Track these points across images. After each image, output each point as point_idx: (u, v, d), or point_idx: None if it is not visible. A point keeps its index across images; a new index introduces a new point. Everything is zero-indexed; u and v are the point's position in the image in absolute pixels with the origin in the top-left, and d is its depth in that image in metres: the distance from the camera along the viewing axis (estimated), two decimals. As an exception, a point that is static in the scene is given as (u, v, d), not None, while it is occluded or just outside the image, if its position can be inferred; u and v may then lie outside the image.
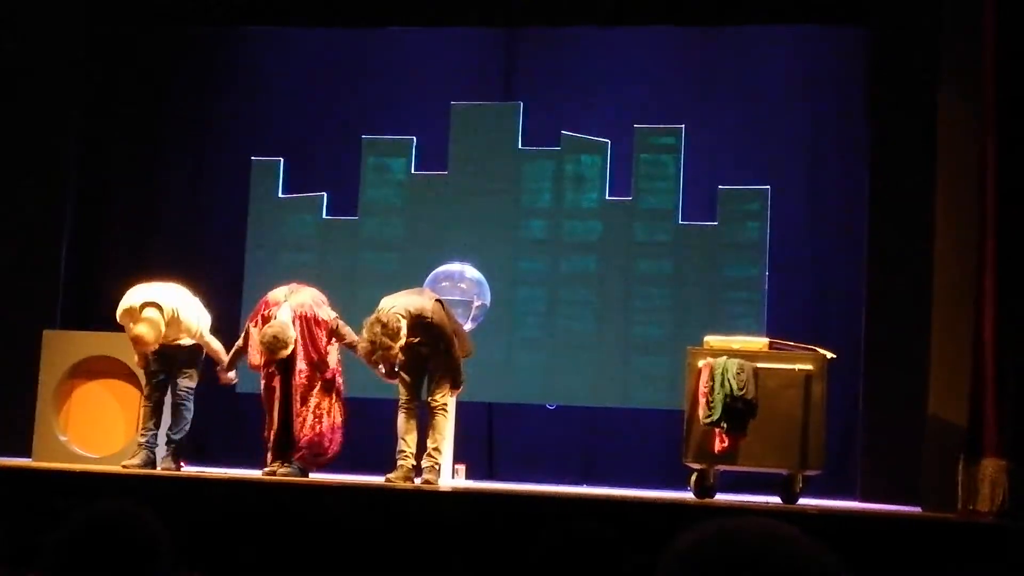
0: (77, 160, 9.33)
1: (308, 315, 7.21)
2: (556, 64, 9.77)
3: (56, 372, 7.87)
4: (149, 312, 7.17)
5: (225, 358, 7.49)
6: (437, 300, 7.25)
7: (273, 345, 7.05)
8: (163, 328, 7.19)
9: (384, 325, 6.83)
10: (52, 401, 7.83)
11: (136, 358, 7.41)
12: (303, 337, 7.19)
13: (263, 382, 7.35)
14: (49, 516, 5.77)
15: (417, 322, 7.00)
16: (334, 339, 7.27)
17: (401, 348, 6.95)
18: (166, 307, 7.21)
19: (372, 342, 6.85)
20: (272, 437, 7.30)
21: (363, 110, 9.86)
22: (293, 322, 7.15)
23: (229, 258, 9.56)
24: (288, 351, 7.10)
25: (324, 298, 7.40)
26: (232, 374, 7.55)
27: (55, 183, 9.15)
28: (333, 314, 7.32)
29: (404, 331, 6.91)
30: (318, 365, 7.23)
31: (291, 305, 7.22)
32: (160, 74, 9.74)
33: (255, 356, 7.22)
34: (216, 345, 7.51)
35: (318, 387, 7.23)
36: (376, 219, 9.68)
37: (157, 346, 7.26)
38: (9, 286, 8.81)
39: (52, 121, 9.11)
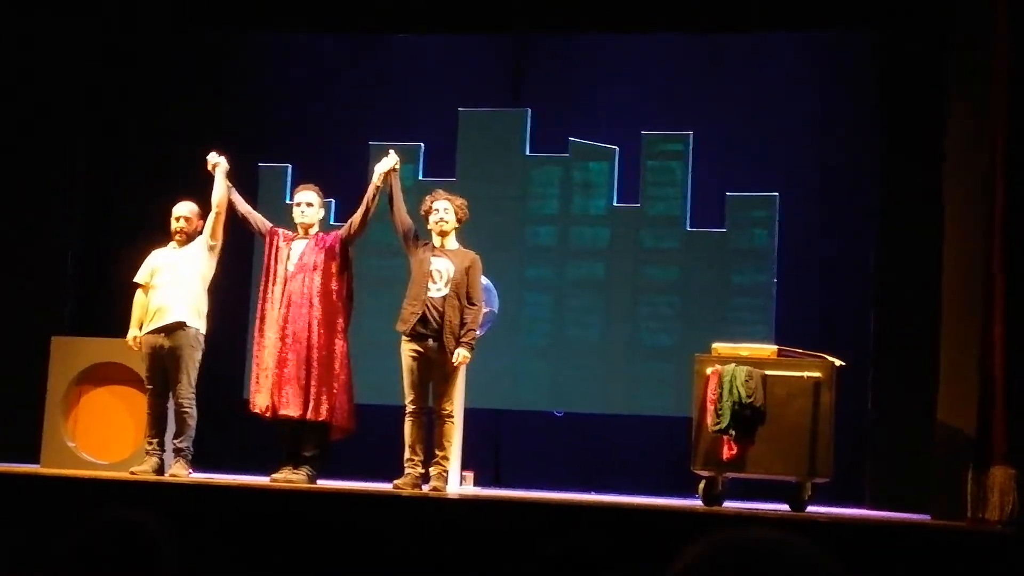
0: (84, 167, 9.34)
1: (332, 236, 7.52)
2: (564, 70, 9.78)
3: (64, 379, 7.88)
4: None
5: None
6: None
7: (308, 185, 7.59)
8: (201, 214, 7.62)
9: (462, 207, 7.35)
10: (60, 407, 7.84)
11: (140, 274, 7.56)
12: (320, 243, 7.46)
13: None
14: (58, 522, 5.79)
15: (472, 263, 7.26)
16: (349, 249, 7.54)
17: (438, 221, 7.29)
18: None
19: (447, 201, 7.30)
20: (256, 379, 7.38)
21: (371, 116, 9.88)
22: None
23: (236, 265, 9.55)
24: (314, 200, 7.54)
25: None
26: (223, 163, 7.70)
27: (62, 190, 9.16)
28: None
29: (453, 221, 7.32)
30: (333, 295, 7.36)
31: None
32: (167, 80, 9.75)
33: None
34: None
35: (328, 340, 7.28)
36: (383, 225, 9.67)
37: (194, 225, 7.59)
38: (17, 293, 8.82)
39: (59, 128, 9.12)
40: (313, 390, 7.25)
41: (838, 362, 6.92)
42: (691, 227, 9.40)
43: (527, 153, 9.68)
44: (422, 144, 9.76)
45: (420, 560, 5.91)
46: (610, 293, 9.48)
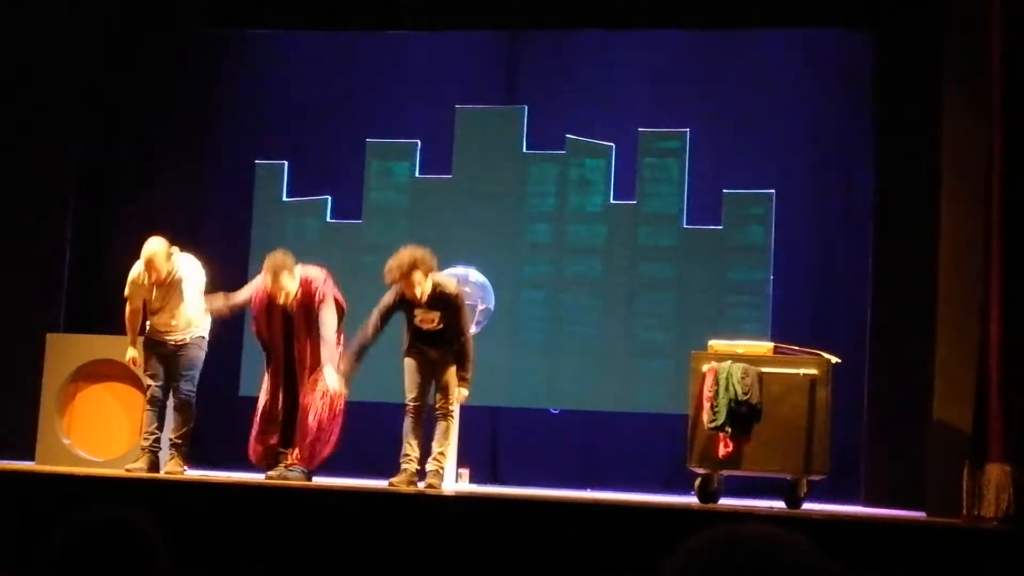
0: (81, 164, 9.33)
1: (312, 278, 7.29)
2: (560, 68, 9.77)
3: (59, 375, 7.87)
4: (153, 242, 7.34)
5: (222, 302, 7.48)
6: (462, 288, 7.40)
7: (277, 264, 7.18)
8: (168, 252, 7.28)
9: (415, 263, 6.94)
10: (55, 404, 7.83)
11: (129, 292, 7.38)
12: (304, 301, 7.23)
13: (266, 355, 7.39)
14: (52, 520, 5.77)
15: (440, 294, 7.08)
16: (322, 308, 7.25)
17: (409, 292, 6.97)
18: (164, 245, 7.33)
19: (401, 264, 6.95)
20: (261, 414, 7.33)
21: (367, 113, 9.86)
22: (299, 280, 7.27)
23: (233, 262, 9.55)
24: (290, 283, 7.17)
25: (330, 277, 7.44)
26: (222, 303, 7.46)
27: (59, 186, 9.14)
28: (334, 291, 7.34)
29: (423, 281, 6.96)
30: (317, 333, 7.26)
31: (299, 269, 7.35)
32: (164, 77, 9.72)
33: (249, 297, 7.36)
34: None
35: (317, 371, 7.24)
36: (380, 223, 9.69)
37: (164, 272, 7.28)
38: (13, 289, 8.81)
39: (56, 125, 9.10)
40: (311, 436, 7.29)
41: (834, 359, 6.92)
42: (687, 224, 9.40)
43: (524, 150, 9.67)
44: (418, 141, 9.75)
45: (416, 557, 5.90)
46: (607, 290, 9.48)
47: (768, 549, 1.53)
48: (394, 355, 7.32)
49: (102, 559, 2.24)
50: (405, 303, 7.14)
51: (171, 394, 7.46)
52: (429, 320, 7.10)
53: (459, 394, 7.15)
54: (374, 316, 7.18)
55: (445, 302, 7.12)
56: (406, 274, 6.97)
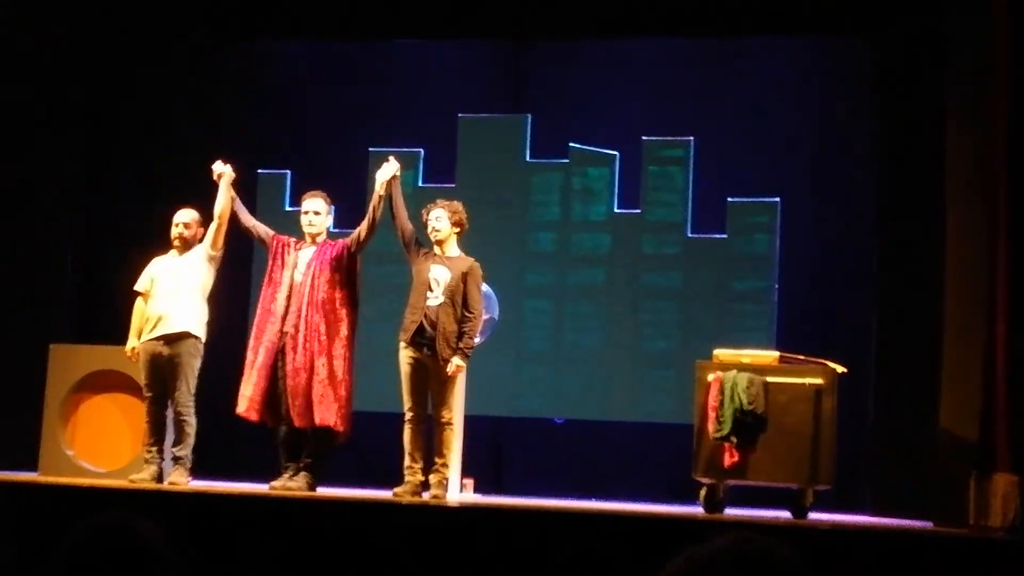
0: (83, 174, 9.33)
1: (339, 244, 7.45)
2: (564, 76, 9.77)
3: (63, 386, 7.85)
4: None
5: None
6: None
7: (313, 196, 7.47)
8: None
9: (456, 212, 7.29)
10: (59, 415, 7.81)
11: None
12: (330, 267, 7.35)
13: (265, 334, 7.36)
14: (56, 531, 5.76)
15: (470, 269, 7.19)
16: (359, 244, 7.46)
17: (432, 230, 7.27)
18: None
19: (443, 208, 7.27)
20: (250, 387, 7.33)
21: (371, 123, 9.87)
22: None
23: (235, 272, 9.53)
24: (323, 209, 7.46)
25: None
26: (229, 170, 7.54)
27: (62, 197, 9.15)
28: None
29: (447, 228, 7.24)
30: (337, 305, 7.30)
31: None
32: (167, 86, 9.74)
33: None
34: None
35: (331, 348, 7.24)
36: (383, 232, 9.66)
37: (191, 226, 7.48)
38: (16, 300, 8.81)
39: (58, 135, 9.11)
40: (315, 397, 7.23)
41: (840, 368, 6.90)
42: (692, 233, 9.39)
43: (527, 159, 9.67)
44: (422, 150, 9.75)
45: (420, 568, 5.88)
46: (611, 299, 9.46)
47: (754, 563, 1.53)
48: (394, 365, 7.29)
49: (109, 565, 2.23)
50: (423, 252, 7.27)
51: (170, 405, 7.44)
52: (437, 278, 7.13)
53: (454, 364, 7.07)
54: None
55: (465, 266, 7.18)
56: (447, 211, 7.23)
